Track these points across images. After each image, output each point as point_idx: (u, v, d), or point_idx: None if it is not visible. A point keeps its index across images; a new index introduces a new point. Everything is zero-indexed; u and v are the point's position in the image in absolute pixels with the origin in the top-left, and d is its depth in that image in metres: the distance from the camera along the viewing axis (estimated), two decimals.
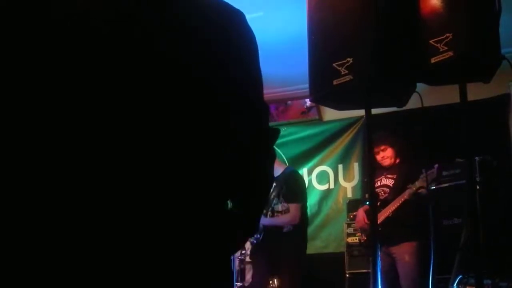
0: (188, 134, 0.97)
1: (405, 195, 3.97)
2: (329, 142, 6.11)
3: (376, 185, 4.25)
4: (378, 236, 3.94)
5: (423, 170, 3.86)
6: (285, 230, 4.31)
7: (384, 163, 4.27)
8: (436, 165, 3.88)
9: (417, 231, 3.94)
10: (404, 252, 3.96)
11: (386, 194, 4.16)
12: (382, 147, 4.25)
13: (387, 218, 4.00)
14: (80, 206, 0.87)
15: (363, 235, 4.43)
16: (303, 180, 4.97)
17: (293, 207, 4.37)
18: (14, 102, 0.89)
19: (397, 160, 4.27)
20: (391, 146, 4.24)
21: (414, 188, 3.92)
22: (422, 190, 3.95)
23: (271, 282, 4.42)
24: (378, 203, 4.14)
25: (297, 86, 5.65)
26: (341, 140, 6.06)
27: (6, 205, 0.87)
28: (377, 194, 4.21)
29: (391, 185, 4.19)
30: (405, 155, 4.27)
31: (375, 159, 4.25)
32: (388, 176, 4.25)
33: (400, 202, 3.99)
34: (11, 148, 0.88)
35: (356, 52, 2.25)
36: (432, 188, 4.05)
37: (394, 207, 4.01)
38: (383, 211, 4.07)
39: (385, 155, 4.25)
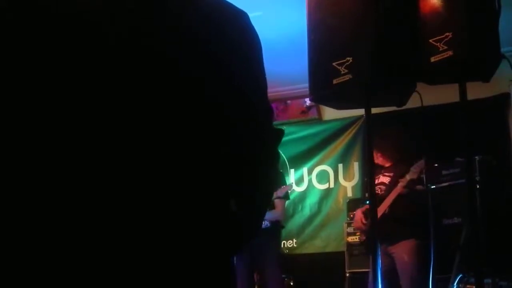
0: (187, 134, 0.97)
1: (398, 189, 4.00)
2: (329, 142, 6.11)
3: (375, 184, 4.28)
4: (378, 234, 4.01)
5: (413, 163, 3.95)
6: (263, 226, 4.24)
7: (383, 164, 4.31)
8: (423, 159, 3.93)
9: (415, 229, 3.95)
10: (403, 251, 3.95)
11: (383, 192, 4.18)
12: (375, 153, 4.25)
13: (383, 214, 4.00)
14: (80, 207, 0.87)
15: (362, 235, 4.45)
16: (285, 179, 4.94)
17: (279, 202, 4.29)
18: (14, 102, 0.89)
19: (392, 161, 4.28)
20: (380, 151, 4.25)
21: (405, 182, 3.96)
22: (419, 187, 3.97)
23: (255, 279, 4.39)
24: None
25: (297, 85, 5.65)
26: (341, 140, 6.06)
27: (7, 205, 0.87)
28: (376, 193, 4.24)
29: (387, 182, 4.21)
30: (398, 155, 4.28)
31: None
32: (385, 174, 4.27)
33: (394, 197, 4.01)
34: (12, 148, 0.88)
35: (356, 51, 2.25)
36: (433, 187, 4.06)
37: (388, 203, 4.03)
38: (379, 208, 4.07)
39: (379, 161, 4.28)
